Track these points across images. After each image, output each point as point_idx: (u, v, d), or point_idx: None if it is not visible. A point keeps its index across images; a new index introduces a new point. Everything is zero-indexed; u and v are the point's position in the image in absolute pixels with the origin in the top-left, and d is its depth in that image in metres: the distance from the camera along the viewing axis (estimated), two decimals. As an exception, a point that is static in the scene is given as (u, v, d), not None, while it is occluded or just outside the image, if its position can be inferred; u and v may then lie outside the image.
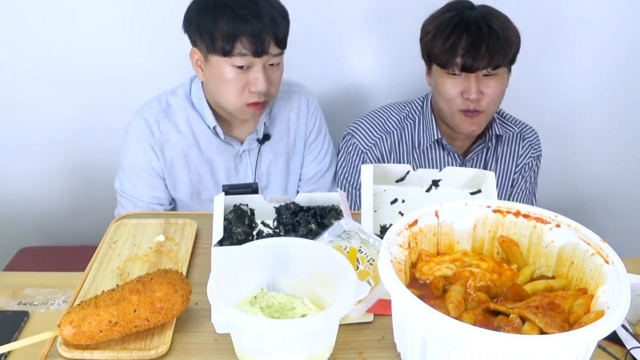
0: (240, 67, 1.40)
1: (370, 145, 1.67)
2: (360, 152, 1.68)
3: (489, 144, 1.70)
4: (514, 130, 1.73)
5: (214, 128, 1.54)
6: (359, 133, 1.69)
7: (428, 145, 1.67)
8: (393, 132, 1.68)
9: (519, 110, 1.80)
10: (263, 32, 1.38)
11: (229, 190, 1.10)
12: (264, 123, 1.59)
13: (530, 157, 1.75)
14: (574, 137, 2.13)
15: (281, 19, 1.42)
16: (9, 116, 1.94)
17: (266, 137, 1.61)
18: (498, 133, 1.69)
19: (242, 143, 1.60)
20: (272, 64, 1.44)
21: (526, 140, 1.75)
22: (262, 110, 1.51)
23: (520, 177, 1.76)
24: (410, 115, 1.70)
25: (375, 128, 1.69)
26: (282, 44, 1.43)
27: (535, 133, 1.77)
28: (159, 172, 1.55)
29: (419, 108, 1.70)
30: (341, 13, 1.87)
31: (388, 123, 1.69)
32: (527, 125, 1.77)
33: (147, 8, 1.80)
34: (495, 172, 1.71)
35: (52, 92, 1.91)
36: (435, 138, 1.65)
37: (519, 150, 1.74)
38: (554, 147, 2.01)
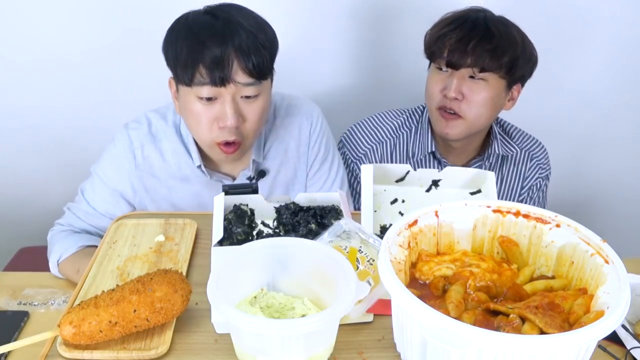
0: (207, 99, 1.26)
1: (360, 155, 1.62)
2: (350, 161, 1.63)
3: (487, 163, 1.63)
4: (515, 151, 1.65)
5: (199, 167, 1.42)
6: (349, 143, 1.64)
7: (422, 156, 1.62)
8: (386, 141, 1.63)
9: (519, 110, 1.80)
10: (224, 59, 1.22)
11: (229, 190, 1.10)
12: (252, 159, 1.44)
13: (538, 177, 1.68)
14: (574, 137, 2.14)
15: (256, 45, 1.25)
16: (9, 116, 1.94)
17: (261, 173, 1.46)
18: (498, 152, 1.62)
19: (234, 179, 1.46)
20: (247, 96, 1.28)
21: (534, 160, 1.67)
22: (236, 155, 1.35)
23: (528, 198, 1.69)
24: (406, 124, 1.65)
25: (367, 137, 1.63)
26: (257, 73, 1.25)
27: (544, 151, 1.70)
28: (125, 197, 1.45)
29: (417, 117, 1.64)
30: (343, 12, 1.88)
31: (382, 131, 1.64)
32: (535, 143, 1.69)
33: (148, 8, 1.80)
34: (501, 193, 1.66)
35: (52, 92, 1.91)
36: (430, 150, 1.60)
37: (525, 171, 1.67)
38: (554, 147, 2.00)
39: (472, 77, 1.46)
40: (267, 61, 1.27)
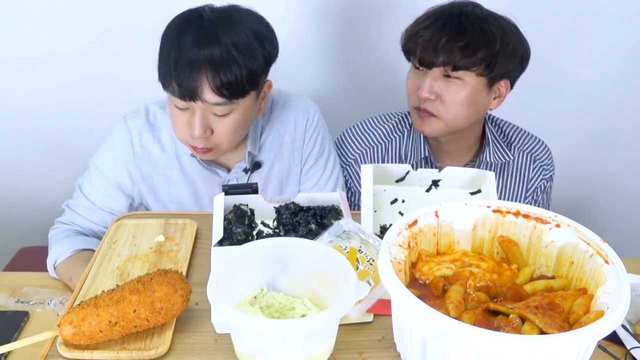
0: (180, 109, 1.28)
1: (350, 160, 1.59)
2: (341, 166, 1.60)
3: (483, 168, 1.55)
4: (510, 158, 1.58)
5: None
6: (340, 148, 1.60)
7: (415, 161, 1.56)
8: (377, 145, 1.58)
9: (518, 109, 1.80)
10: (193, 78, 1.21)
11: (229, 190, 1.10)
12: (248, 152, 1.44)
13: (541, 179, 1.62)
14: (575, 137, 2.13)
15: (229, 63, 1.22)
16: (9, 116, 1.94)
17: (256, 165, 1.47)
18: (489, 161, 1.55)
19: (229, 170, 1.47)
20: (216, 114, 1.28)
21: (537, 162, 1.62)
22: (210, 155, 1.36)
23: (533, 201, 1.63)
24: (398, 127, 1.59)
25: (358, 142, 1.59)
26: (227, 93, 1.24)
27: (547, 151, 1.64)
28: (123, 188, 1.45)
29: (409, 121, 1.59)
30: (334, 10, 1.88)
31: (372, 136, 1.59)
32: (537, 143, 1.63)
33: (148, 7, 1.80)
34: (504, 199, 1.59)
35: (52, 91, 1.91)
36: (423, 155, 1.55)
37: (528, 174, 1.61)
38: (553, 146, 2.01)
39: (447, 76, 1.40)
40: (241, 80, 1.24)
